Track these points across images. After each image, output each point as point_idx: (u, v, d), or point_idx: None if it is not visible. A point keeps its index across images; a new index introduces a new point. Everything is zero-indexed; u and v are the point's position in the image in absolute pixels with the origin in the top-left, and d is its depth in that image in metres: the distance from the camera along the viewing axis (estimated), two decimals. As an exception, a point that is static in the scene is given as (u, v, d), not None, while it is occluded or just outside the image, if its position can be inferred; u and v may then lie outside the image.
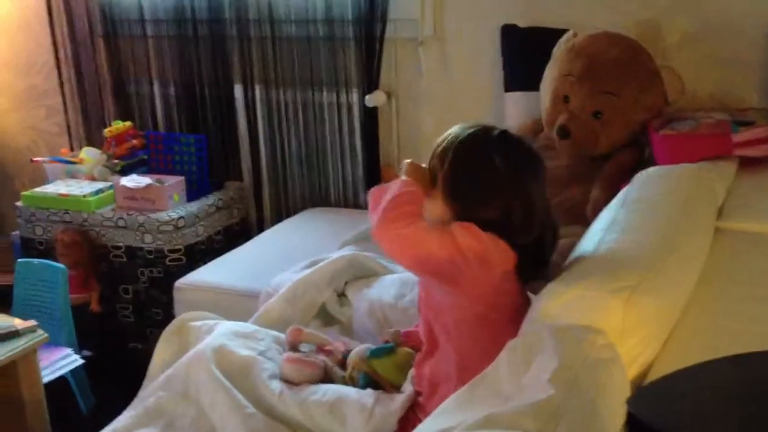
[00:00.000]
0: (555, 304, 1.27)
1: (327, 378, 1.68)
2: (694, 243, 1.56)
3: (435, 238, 1.42)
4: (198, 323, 1.83)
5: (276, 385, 1.63)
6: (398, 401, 1.54)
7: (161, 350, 1.81)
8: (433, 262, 1.41)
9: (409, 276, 2.05)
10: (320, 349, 1.75)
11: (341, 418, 1.54)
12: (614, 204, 1.70)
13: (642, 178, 1.80)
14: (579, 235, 2.04)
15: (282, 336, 1.80)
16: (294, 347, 1.75)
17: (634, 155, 2.40)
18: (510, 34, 2.72)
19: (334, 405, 1.55)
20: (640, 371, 1.28)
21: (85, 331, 2.73)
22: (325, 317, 2.03)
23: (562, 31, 2.50)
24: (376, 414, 1.51)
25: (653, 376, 1.27)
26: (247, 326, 1.83)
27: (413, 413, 1.53)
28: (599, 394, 1.08)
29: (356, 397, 1.56)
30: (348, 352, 1.75)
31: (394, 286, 2.01)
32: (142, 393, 1.73)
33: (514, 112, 2.71)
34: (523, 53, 2.70)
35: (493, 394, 1.17)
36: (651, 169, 1.85)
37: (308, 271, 2.09)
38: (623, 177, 2.29)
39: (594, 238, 1.51)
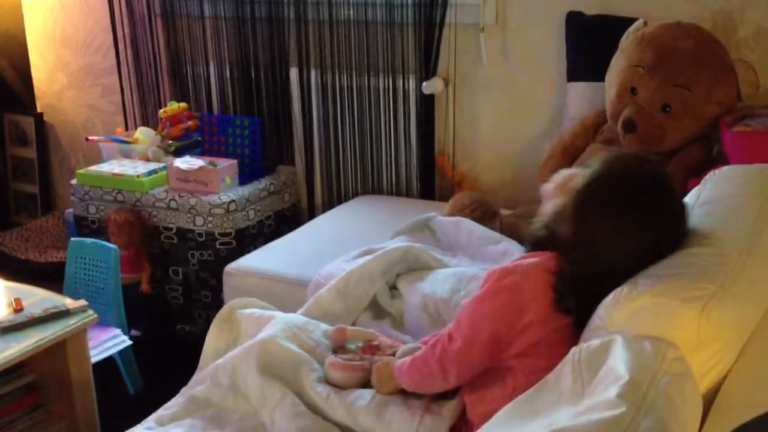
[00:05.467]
0: (623, 311, 1.19)
1: None
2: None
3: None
4: (248, 311, 1.80)
5: (323, 388, 1.59)
6: (449, 409, 1.49)
7: (213, 338, 1.78)
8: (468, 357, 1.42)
9: (464, 271, 2.00)
10: (367, 345, 1.70)
11: (387, 425, 1.49)
12: (685, 204, 1.61)
13: (714, 178, 1.70)
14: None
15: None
16: (339, 347, 1.71)
17: (703, 151, 2.30)
18: (575, 22, 2.63)
19: (381, 412, 1.51)
20: (713, 384, 1.21)
21: (135, 310, 2.74)
22: (376, 310, 1.98)
23: (631, 20, 2.41)
24: (426, 422, 1.46)
25: (726, 392, 1.19)
26: (299, 318, 1.79)
27: (460, 420, 1.47)
28: (671, 412, 1.01)
29: (404, 404, 1.51)
30: (396, 347, 1.70)
31: (448, 281, 1.94)
32: (193, 380, 1.71)
33: (577, 103, 2.62)
34: (589, 42, 2.61)
35: (555, 402, 1.11)
36: (724, 169, 1.75)
37: (360, 261, 2.04)
38: (690, 174, 2.20)
39: (664, 240, 1.43)
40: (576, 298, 1.36)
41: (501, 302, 1.40)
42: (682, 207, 1.44)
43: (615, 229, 1.34)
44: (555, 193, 1.48)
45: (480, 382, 1.45)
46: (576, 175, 1.46)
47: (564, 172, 1.53)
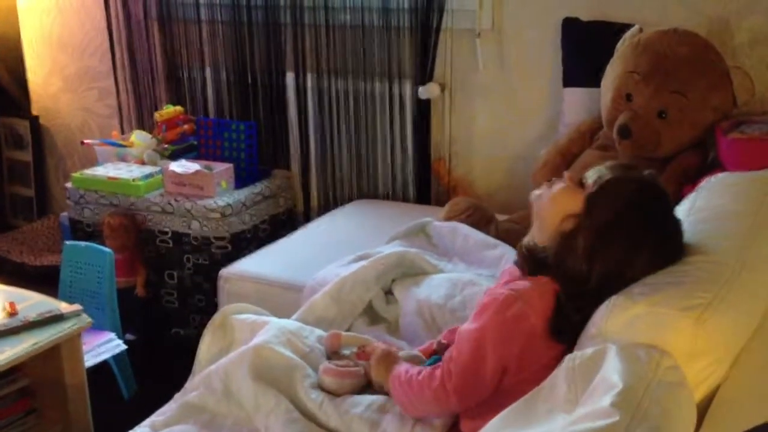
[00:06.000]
0: (619, 319, 1.19)
1: (368, 383, 1.63)
2: None
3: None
4: (242, 317, 1.79)
5: (317, 395, 1.58)
6: (442, 420, 1.48)
7: (207, 344, 1.78)
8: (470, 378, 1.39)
9: (459, 276, 2.00)
10: (362, 350, 1.70)
11: None
12: (680, 212, 1.61)
13: (709, 185, 1.71)
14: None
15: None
16: (333, 352, 1.70)
17: (698, 158, 2.30)
18: (571, 28, 2.63)
19: (375, 421, 1.50)
20: (707, 393, 1.20)
21: (130, 314, 2.74)
22: (371, 315, 1.98)
23: (627, 26, 2.41)
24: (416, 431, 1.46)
25: (720, 401, 1.19)
26: (293, 324, 1.79)
27: (455, 428, 1.47)
28: (665, 421, 1.00)
29: (399, 413, 1.51)
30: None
31: (443, 287, 1.94)
32: (186, 386, 1.70)
33: (573, 108, 2.62)
34: (585, 48, 2.61)
35: (549, 411, 1.11)
36: (719, 176, 1.75)
37: (355, 266, 2.04)
38: (686, 180, 2.20)
39: (659, 248, 1.43)
40: (575, 329, 1.33)
41: (508, 334, 1.35)
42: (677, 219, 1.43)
43: (634, 258, 1.31)
44: (550, 204, 1.43)
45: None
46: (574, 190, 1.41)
47: (557, 182, 1.46)
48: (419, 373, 1.48)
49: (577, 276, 1.33)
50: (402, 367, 1.53)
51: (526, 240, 1.46)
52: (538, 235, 1.43)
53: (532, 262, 1.41)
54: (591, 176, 1.40)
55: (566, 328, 1.33)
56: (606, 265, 1.32)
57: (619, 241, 1.32)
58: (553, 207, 1.41)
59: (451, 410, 1.46)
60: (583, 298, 1.32)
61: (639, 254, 1.31)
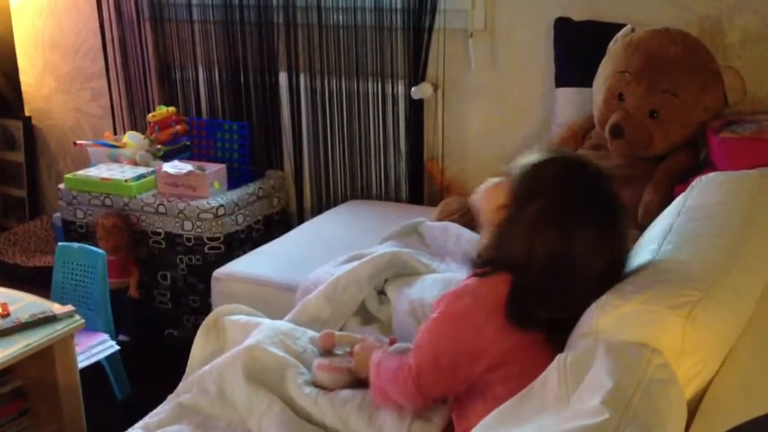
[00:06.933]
0: (609, 318, 1.19)
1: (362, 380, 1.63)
2: (758, 254, 1.47)
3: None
4: (234, 318, 1.79)
5: (311, 390, 1.58)
6: (439, 415, 1.48)
7: (200, 346, 1.78)
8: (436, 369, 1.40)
9: (452, 276, 2.00)
10: (354, 350, 1.70)
11: (378, 429, 1.49)
12: (670, 211, 1.62)
13: (701, 184, 1.71)
14: (631, 239, 1.97)
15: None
16: (327, 352, 1.70)
17: (690, 157, 2.31)
18: (564, 28, 2.64)
19: (372, 414, 1.51)
20: (697, 391, 1.21)
21: (123, 315, 2.73)
22: (365, 315, 1.98)
23: (619, 26, 2.42)
24: (415, 427, 1.46)
25: (711, 398, 1.20)
26: (286, 324, 1.79)
27: (450, 427, 1.47)
28: (655, 419, 1.01)
29: (395, 408, 1.51)
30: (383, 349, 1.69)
31: (436, 286, 1.95)
32: (179, 388, 1.70)
33: (565, 108, 2.63)
34: (577, 48, 2.61)
35: (540, 410, 1.11)
36: (711, 175, 1.75)
37: (348, 266, 2.04)
38: (677, 179, 2.21)
39: (650, 246, 1.43)
40: (535, 315, 1.32)
41: (456, 327, 1.37)
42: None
43: (571, 236, 1.29)
44: (484, 203, 1.43)
45: (463, 400, 1.44)
46: (501, 184, 1.41)
47: (492, 180, 1.47)
48: (393, 358, 1.50)
49: (521, 264, 1.32)
50: (379, 353, 1.55)
51: (478, 245, 1.46)
52: (482, 235, 1.43)
53: (482, 264, 1.41)
54: (515, 165, 1.41)
55: (524, 315, 1.32)
56: (544, 247, 1.30)
57: (550, 222, 1.31)
58: (487, 203, 1.42)
59: (412, 398, 1.46)
60: (537, 283, 1.31)
61: (575, 230, 1.29)
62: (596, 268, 1.30)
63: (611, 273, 1.32)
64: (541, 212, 1.31)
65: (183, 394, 1.67)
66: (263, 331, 1.70)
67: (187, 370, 1.77)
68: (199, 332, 1.79)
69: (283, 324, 1.79)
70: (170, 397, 1.69)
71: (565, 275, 1.30)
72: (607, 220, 1.33)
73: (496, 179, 1.44)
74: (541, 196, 1.33)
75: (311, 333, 1.78)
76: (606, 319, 1.20)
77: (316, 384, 1.61)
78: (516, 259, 1.33)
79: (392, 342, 1.68)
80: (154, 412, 1.66)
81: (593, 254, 1.30)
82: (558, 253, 1.30)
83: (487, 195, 1.43)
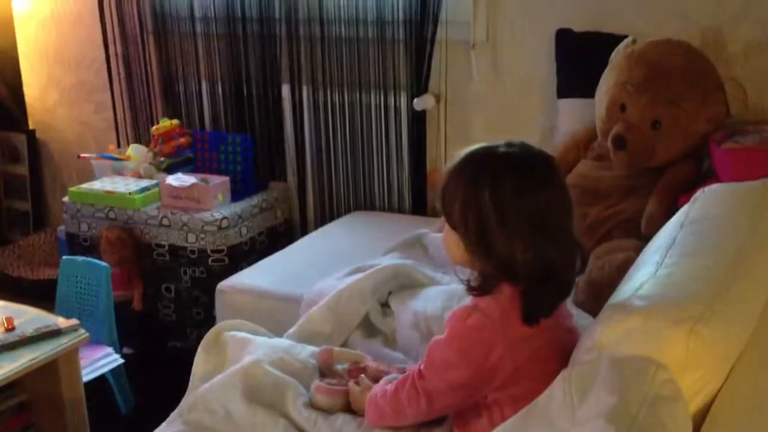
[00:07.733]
0: (613, 332, 1.20)
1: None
2: (762, 266, 1.47)
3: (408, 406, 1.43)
4: (234, 334, 1.79)
5: (309, 413, 1.57)
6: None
7: (201, 362, 1.76)
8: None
9: (455, 288, 1.99)
10: (354, 366, 1.69)
11: None
12: (673, 223, 1.62)
13: (704, 196, 1.71)
14: (633, 249, 1.97)
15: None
16: (326, 368, 1.70)
17: (692, 168, 2.31)
18: (565, 39, 2.64)
19: None
20: (701, 405, 1.21)
21: (127, 328, 2.73)
22: (368, 328, 1.98)
23: (620, 37, 2.43)
24: None
25: (715, 414, 1.19)
26: (284, 342, 1.78)
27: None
28: (660, 434, 1.01)
29: (393, 430, 1.50)
30: (382, 370, 1.67)
31: (439, 298, 1.94)
32: (182, 405, 1.69)
33: (567, 119, 2.63)
34: (578, 59, 2.62)
35: (545, 425, 1.11)
36: (713, 187, 1.76)
37: (352, 279, 2.04)
38: (680, 190, 2.21)
39: (653, 259, 1.43)
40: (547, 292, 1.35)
41: (467, 345, 1.37)
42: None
43: (501, 206, 1.36)
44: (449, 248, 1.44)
45: (468, 415, 1.44)
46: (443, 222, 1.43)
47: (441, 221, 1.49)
48: (392, 384, 1.50)
49: (510, 260, 1.34)
50: (375, 388, 1.54)
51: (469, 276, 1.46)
52: (460, 262, 1.44)
53: (475, 287, 1.42)
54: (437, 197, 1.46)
55: (538, 300, 1.35)
56: (516, 221, 1.34)
57: (484, 214, 1.35)
58: (450, 246, 1.44)
59: (421, 413, 1.45)
60: (530, 255, 1.33)
61: (524, 191, 1.38)
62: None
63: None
64: (469, 204, 1.37)
65: (187, 412, 1.65)
66: (261, 348, 1.69)
67: (189, 385, 1.76)
68: (199, 349, 1.78)
69: (281, 341, 1.77)
70: (173, 415, 1.68)
71: (548, 230, 1.33)
72: (531, 179, 1.43)
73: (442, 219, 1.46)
74: (462, 189, 1.40)
75: (311, 348, 1.77)
76: (610, 333, 1.20)
77: (314, 406, 1.60)
78: (502, 258, 1.35)
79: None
80: (159, 429, 1.65)
81: (534, 196, 1.37)
82: (531, 214, 1.34)
83: (446, 241, 1.45)
